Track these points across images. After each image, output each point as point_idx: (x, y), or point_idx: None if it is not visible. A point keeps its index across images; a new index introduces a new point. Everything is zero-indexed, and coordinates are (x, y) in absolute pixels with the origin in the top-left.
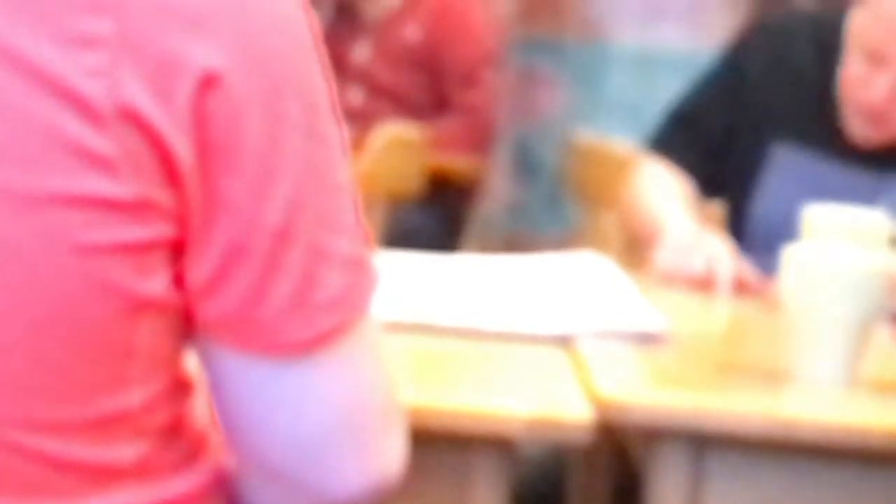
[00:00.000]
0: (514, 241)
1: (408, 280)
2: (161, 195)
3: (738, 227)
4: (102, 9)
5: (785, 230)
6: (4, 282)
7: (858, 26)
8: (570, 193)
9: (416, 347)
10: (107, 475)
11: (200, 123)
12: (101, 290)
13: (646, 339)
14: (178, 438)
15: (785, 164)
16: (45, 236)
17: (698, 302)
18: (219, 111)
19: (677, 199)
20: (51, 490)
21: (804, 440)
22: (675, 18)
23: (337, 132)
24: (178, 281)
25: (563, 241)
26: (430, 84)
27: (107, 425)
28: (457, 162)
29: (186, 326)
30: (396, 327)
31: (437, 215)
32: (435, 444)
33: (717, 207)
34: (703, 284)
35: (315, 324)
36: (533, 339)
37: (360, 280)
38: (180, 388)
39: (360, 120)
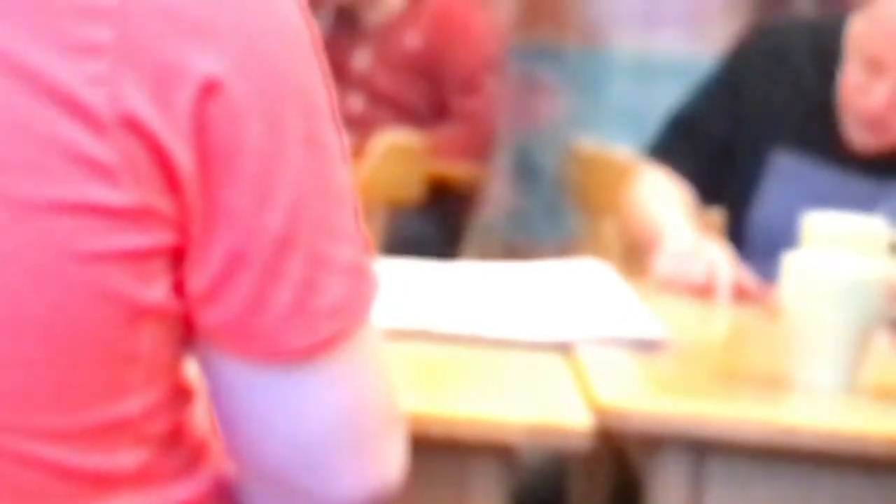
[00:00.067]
0: (514, 247)
1: (408, 287)
2: (161, 202)
3: (738, 234)
4: (103, 16)
5: (784, 237)
6: (4, 289)
7: (858, 33)
8: (570, 200)
9: (416, 354)
10: (107, 482)
11: (201, 130)
12: (102, 298)
13: (646, 346)
14: (178, 445)
15: (784, 170)
16: (46, 244)
17: (698, 309)
18: (219, 118)
19: (677, 206)
20: (51, 497)
21: (804, 447)
22: (675, 25)
23: (337, 139)
24: (179, 288)
25: (564, 247)
26: (431, 91)
27: (107, 432)
28: (457, 169)
29: (187, 333)
30: (397, 334)
31: (437, 222)
32: (435, 450)
33: (717, 214)
34: (703, 291)
35: (315, 331)
36: (533, 346)
37: (360, 287)
38: (180, 395)
39: (360, 127)
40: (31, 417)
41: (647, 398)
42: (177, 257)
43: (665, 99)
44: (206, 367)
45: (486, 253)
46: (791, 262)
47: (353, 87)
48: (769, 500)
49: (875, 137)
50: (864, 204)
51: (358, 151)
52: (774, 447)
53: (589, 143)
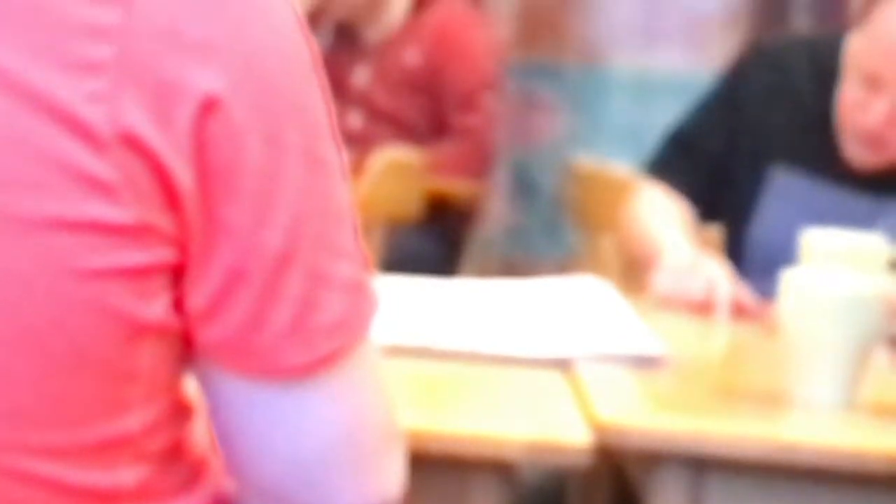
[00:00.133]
0: (513, 264)
1: (407, 304)
2: (161, 220)
3: (737, 251)
4: (103, 34)
5: (783, 254)
6: (3, 305)
7: (856, 50)
8: (569, 217)
9: (415, 371)
10: (106, 499)
11: (201, 148)
12: (102, 315)
13: (644, 363)
14: (177, 462)
15: (783, 187)
16: (46, 261)
17: (697, 326)
18: (219, 135)
19: (675, 222)
20: None
21: (803, 464)
22: (674, 42)
23: (337, 156)
24: (178, 305)
25: (562, 264)
26: (430, 108)
27: (106, 449)
28: (456, 186)
29: (186, 350)
30: (396, 351)
31: (435, 239)
32: (434, 467)
33: (716, 231)
34: (702, 308)
35: (315, 348)
36: (532, 363)
37: (359, 304)
38: (180, 412)
39: (359, 144)
40: (30, 434)
41: (647, 415)
42: (176, 274)
43: (663, 116)
44: (206, 384)
45: (485, 270)
46: (790, 279)
47: (353, 104)
48: None
49: (873, 154)
50: (862, 221)
51: (357, 168)
52: (773, 464)
53: (588, 160)
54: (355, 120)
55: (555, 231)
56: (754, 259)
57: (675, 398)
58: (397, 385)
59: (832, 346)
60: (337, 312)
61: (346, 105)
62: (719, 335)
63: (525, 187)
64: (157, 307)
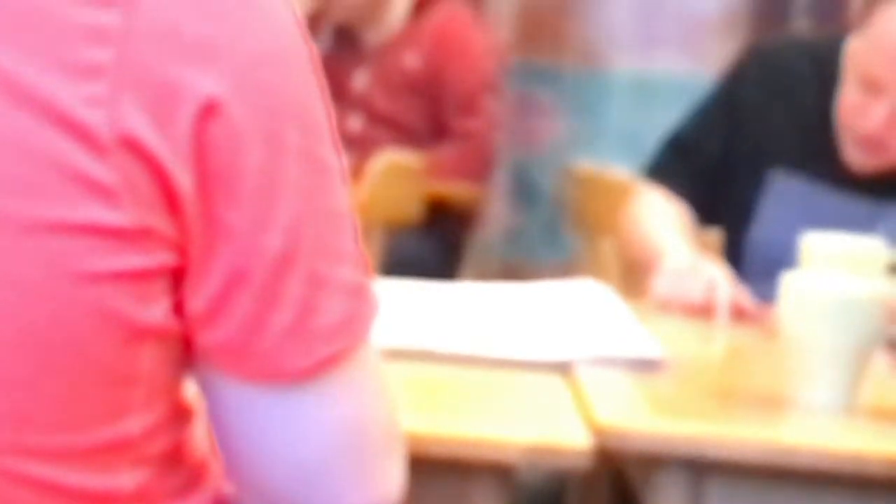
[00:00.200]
0: (513, 268)
1: (407, 307)
2: (161, 223)
3: (736, 255)
4: (104, 37)
5: (782, 257)
6: (3, 309)
7: (855, 54)
8: (569, 221)
9: (415, 375)
10: (106, 502)
11: (201, 151)
12: (102, 319)
13: (644, 366)
14: (178, 466)
15: (782, 191)
16: (46, 265)
17: (696, 329)
18: (219, 139)
19: (675, 226)
20: None
21: (803, 467)
22: (673, 45)
23: (336, 159)
24: (178, 308)
25: (562, 268)
26: (430, 111)
27: (107, 453)
28: (455, 189)
29: (186, 354)
30: (395, 354)
31: (435, 242)
32: (434, 470)
33: (715, 235)
34: (702, 311)
35: (315, 351)
36: (531, 367)
37: (360, 307)
38: (180, 415)
39: (359, 147)
40: (30, 437)
41: (646, 418)
42: (176, 278)
43: (663, 120)
44: (206, 388)
45: (485, 273)
46: (789, 283)
47: (353, 107)
48: None
49: (873, 158)
50: (862, 224)
51: (357, 171)
52: (773, 467)
53: (587, 164)
54: (355, 123)
55: (554, 234)
56: (754, 262)
57: (675, 401)
58: (397, 389)
59: (832, 349)
60: (337, 316)
61: (345, 108)
62: (719, 338)
63: (525, 191)
64: (157, 311)
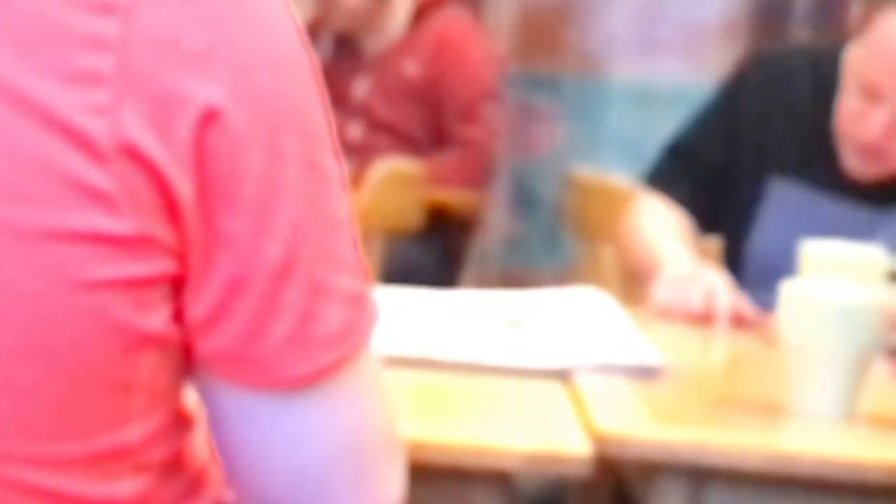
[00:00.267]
0: (513, 275)
1: (406, 314)
2: (161, 231)
3: (736, 262)
4: (104, 46)
5: (782, 265)
6: (3, 316)
7: (855, 61)
8: (569, 228)
9: (414, 382)
10: None
11: (201, 159)
12: (101, 326)
13: (644, 374)
14: (178, 473)
15: (782, 198)
16: (46, 272)
17: (696, 336)
18: (219, 147)
19: (675, 233)
20: None
21: (802, 474)
22: (673, 52)
23: (336, 167)
24: (178, 316)
25: (562, 275)
26: (430, 119)
27: (107, 460)
28: (455, 196)
29: (186, 361)
30: (395, 362)
31: (435, 250)
32: (434, 478)
33: (715, 242)
34: (701, 319)
35: (315, 359)
36: (531, 374)
37: (360, 315)
38: (180, 422)
39: (359, 154)
40: (30, 445)
41: (646, 425)
42: (176, 285)
43: (663, 127)
44: (206, 395)
45: (485, 280)
46: (789, 290)
47: (353, 115)
48: None
49: (872, 165)
50: (862, 232)
51: (357, 179)
52: (773, 474)
53: (587, 171)
54: (355, 131)
55: (554, 242)
56: (753, 270)
57: (675, 408)
58: (397, 396)
59: (831, 357)
60: (337, 323)
61: (346, 116)
62: (719, 346)
63: (525, 198)
64: (157, 318)
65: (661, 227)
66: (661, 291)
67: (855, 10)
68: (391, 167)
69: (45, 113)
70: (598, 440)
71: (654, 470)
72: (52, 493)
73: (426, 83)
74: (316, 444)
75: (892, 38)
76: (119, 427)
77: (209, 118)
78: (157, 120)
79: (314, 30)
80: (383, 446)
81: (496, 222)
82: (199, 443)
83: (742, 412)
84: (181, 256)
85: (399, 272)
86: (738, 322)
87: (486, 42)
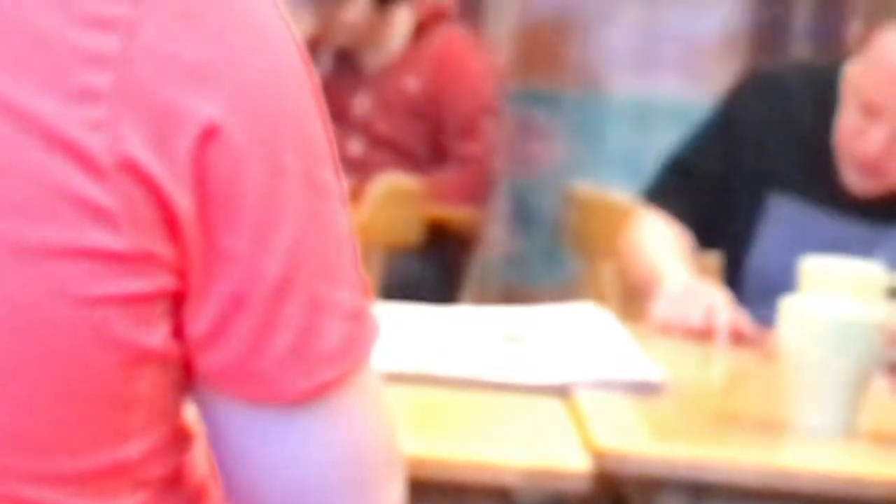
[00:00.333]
0: (512, 291)
1: (406, 330)
2: (161, 247)
3: (735, 279)
4: (103, 62)
5: (782, 281)
6: (3, 334)
7: (854, 78)
8: (568, 244)
9: (414, 398)
10: None
11: (201, 175)
12: (102, 343)
13: (643, 390)
14: (177, 489)
15: (781, 215)
16: (45, 288)
17: (696, 352)
18: (219, 163)
19: (674, 250)
20: None
21: (802, 490)
22: (672, 69)
23: (337, 183)
24: (178, 332)
25: (561, 291)
26: (430, 134)
27: (106, 477)
28: (455, 212)
29: (186, 377)
30: (395, 377)
31: (435, 265)
32: (434, 493)
33: (714, 258)
34: (701, 335)
35: (315, 375)
36: (531, 390)
37: (360, 331)
38: (180, 439)
39: (359, 170)
40: (29, 461)
41: (646, 441)
42: (176, 302)
43: (662, 143)
44: (206, 411)
45: (484, 296)
46: (789, 307)
47: (353, 131)
48: None
49: (872, 181)
50: (861, 248)
51: (357, 194)
52: (772, 490)
53: (587, 187)
54: (355, 147)
55: (554, 258)
56: (753, 286)
57: (675, 425)
58: (397, 411)
59: (831, 373)
60: (338, 339)
61: (346, 132)
62: (718, 362)
63: (524, 214)
64: (157, 335)
65: (661, 243)
66: (661, 307)
67: (854, 27)
68: (391, 183)
69: (44, 129)
70: (598, 456)
71: (654, 486)
72: None
73: (426, 99)
74: (316, 460)
75: (891, 55)
76: (118, 443)
77: (209, 134)
78: (156, 136)
79: (314, 45)
80: (383, 462)
81: (496, 238)
82: (199, 459)
83: (742, 428)
84: (181, 272)
85: (399, 288)
86: (738, 338)
87: (485, 58)
